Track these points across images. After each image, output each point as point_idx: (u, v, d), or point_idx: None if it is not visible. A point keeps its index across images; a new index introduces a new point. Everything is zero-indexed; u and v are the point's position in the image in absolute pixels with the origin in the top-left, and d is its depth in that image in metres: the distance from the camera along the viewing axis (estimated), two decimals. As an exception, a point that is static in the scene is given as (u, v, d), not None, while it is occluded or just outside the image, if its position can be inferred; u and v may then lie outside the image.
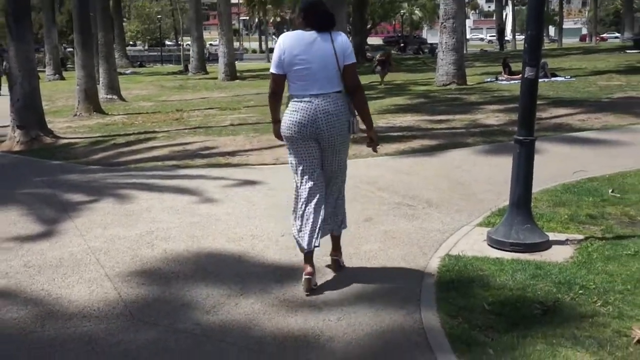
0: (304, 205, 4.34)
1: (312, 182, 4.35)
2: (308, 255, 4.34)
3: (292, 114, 4.27)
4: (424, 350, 3.48)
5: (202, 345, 3.63)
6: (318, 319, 3.90)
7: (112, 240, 5.58)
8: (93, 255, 5.20)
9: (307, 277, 4.29)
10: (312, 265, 4.34)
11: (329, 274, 4.61)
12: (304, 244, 4.31)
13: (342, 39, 4.28)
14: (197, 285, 4.49)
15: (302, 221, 4.35)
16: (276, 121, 4.48)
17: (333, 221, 4.56)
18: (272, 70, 4.31)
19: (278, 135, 4.50)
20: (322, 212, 4.35)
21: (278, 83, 4.35)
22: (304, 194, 4.35)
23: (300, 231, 4.35)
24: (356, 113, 4.40)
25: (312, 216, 4.31)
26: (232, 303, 4.18)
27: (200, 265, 4.91)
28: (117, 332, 3.82)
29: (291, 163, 4.47)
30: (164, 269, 4.85)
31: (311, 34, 4.25)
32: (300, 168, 4.38)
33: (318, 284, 4.39)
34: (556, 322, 3.70)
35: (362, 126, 4.48)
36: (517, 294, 4.10)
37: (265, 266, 4.86)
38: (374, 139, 4.54)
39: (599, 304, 3.91)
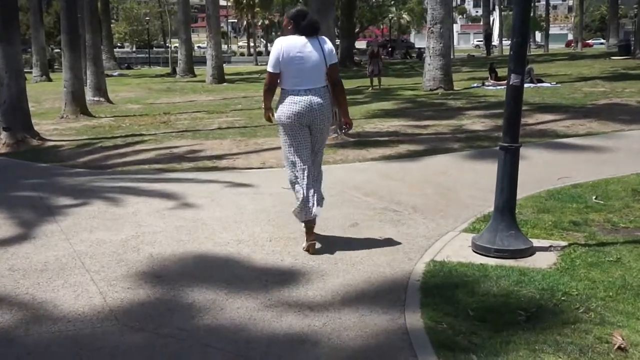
0: (304, 182, 5.16)
1: (308, 163, 5.20)
2: (310, 225, 5.16)
3: (291, 105, 5.09)
4: (408, 356, 3.50)
5: (188, 349, 3.64)
6: (303, 324, 3.92)
7: (97, 244, 5.57)
8: (78, 259, 5.19)
9: (312, 241, 5.15)
10: (313, 232, 5.18)
11: (314, 279, 4.63)
12: (308, 212, 5.13)
13: (328, 45, 5.21)
14: (183, 289, 4.50)
15: (303, 195, 5.13)
16: (268, 108, 5.43)
17: (318, 196, 5.28)
18: (270, 69, 5.15)
19: (269, 119, 5.49)
20: (316, 184, 5.26)
21: (273, 80, 5.20)
22: (301, 173, 5.18)
23: (305, 202, 5.13)
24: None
25: (311, 189, 5.17)
26: (217, 308, 4.19)
27: (186, 270, 4.92)
28: (102, 336, 3.82)
29: (287, 148, 5.24)
30: (149, 273, 4.85)
31: (302, 39, 5.11)
32: (297, 151, 5.19)
33: (303, 290, 4.41)
34: (539, 328, 3.74)
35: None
36: (501, 300, 4.14)
37: (252, 270, 4.87)
38: (349, 123, 5.48)
39: (581, 310, 3.95)
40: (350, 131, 5.47)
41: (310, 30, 5.12)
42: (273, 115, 5.36)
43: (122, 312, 4.16)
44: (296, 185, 5.23)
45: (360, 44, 59.90)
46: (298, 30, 5.13)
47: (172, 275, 4.81)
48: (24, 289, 4.56)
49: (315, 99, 5.10)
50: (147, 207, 6.78)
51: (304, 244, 5.22)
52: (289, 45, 5.10)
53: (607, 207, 6.22)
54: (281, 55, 5.07)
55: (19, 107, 11.63)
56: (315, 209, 5.16)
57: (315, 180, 5.27)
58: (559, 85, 18.86)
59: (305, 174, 5.17)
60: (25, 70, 12.93)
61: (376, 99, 17.62)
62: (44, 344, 3.73)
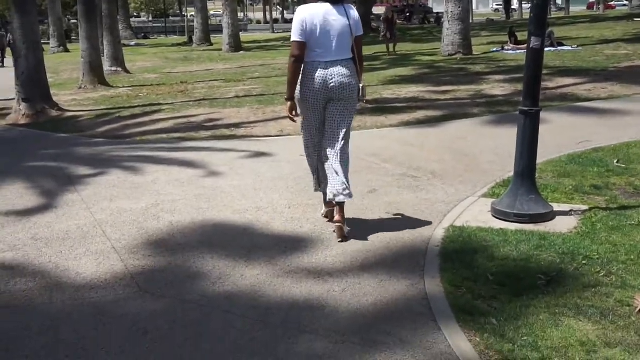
0: (325, 161, 4.79)
1: (325, 141, 4.81)
2: (339, 205, 4.73)
3: (313, 80, 4.66)
4: (428, 320, 3.51)
5: (208, 316, 3.68)
6: (323, 290, 3.93)
7: (118, 212, 5.61)
8: (100, 227, 5.24)
9: (338, 224, 4.71)
10: (342, 214, 4.73)
11: (333, 245, 4.64)
12: (333, 195, 4.70)
13: (355, 13, 4.77)
14: (203, 257, 4.53)
15: (326, 176, 4.79)
16: (290, 98, 4.78)
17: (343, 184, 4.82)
18: (295, 38, 4.66)
19: (292, 111, 4.82)
20: (341, 165, 4.77)
21: (300, 49, 4.67)
22: (322, 152, 4.84)
23: (329, 185, 4.74)
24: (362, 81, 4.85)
25: (334, 169, 4.73)
26: (237, 274, 4.21)
27: (205, 237, 4.95)
28: (124, 303, 3.87)
29: (305, 126, 4.92)
30: (169, 241, 4.89)
31: (327, 6, 4.68)
32: (314, 128, 4.85)
33: (322, 256, 4.42)
34: (559, 292, 3.72)
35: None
36: (520, 264, 4.13)
37: (271, 238, 4.89)
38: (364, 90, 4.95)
39: (602, 274, 3.93)
40: (368, 98, 5.08)
41: None
42: (296, 110, 4.84)
43: (143, 279, 4.20)
44: (320, 167, 4.94)
45: (378, 10, 59.23)
46: None
47: (192, 242, 4.84)
48: (47, 258, 4.62)
49: (337, 71, 4.67)
50: (166, 176, 6.81)
51: (323, 210, 5.14)
52: (313, 12, 4.66)
53: (628, 171, 6.15)
54: (304, 23, 4.63)
55: (37, 78, 11.67)
56: (339, 195, 4.70)
57: (340, 161, 4.78)
58: (580, 48, 18.58)
59: (327, 154, 4.80)
60: (42, 41, 12.96)
61: (394, 65, 17.47)
62: (67, 312, 3.79)
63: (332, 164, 4.76)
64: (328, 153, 4.80)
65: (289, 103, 4.80)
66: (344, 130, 4.81)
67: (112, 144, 8.90)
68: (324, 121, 4.83)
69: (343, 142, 4.80)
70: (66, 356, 3.28)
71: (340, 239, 4.68)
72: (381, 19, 23.11)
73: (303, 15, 4.66)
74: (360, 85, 4.78)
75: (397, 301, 3.77)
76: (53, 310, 3.81)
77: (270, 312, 3.68)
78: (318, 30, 4.63)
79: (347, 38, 4.70)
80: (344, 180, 4.72)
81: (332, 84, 4.67)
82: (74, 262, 4.52)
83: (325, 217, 5.12)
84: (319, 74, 4.66)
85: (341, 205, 4.73)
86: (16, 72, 11.59)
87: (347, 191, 4.70)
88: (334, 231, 4.76)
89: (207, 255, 4.57)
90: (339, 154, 4.76)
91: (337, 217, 4.73)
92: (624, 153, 6.81)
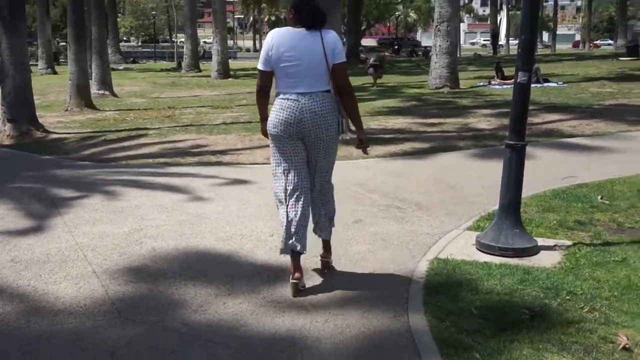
0: (291, 207, 4.26)
1: (297, 182, 4.28)
2: (295, 257, 4.26)
3: (278, 112, 4.20)
4: (411, 354, 3.48)
5: (189, 344, 3.62)
6: (305, 321, 3.89)
7: (100, 236, 5.55)
8: (81, 251, 5.17)
9: (294, 281, 4.23)
10: (299, 268, 4.28)
11: (317, 275, 4.60)
12: (291, 247, 4.24)
13: (332, 37, 4.19)
14: (185, 283, 4.48)
15: (288, 223, 4.25)
16: (264, 119, 4.40)
17: (322, 224, 4.52)
18: (259, 67, 4.28)
19: (265, 133, 4.43)
20: (309, 214, 4.35)
21: (265, 80, 4.31)
22: (290, 195, 4.27)
23: (288, 233, 4.25)
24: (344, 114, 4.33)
25: (298, 218, 4.25)
26: (219, 302, 4.16)
27: (188, 264, 4.90)
28: (103, 329, 3.80)
29: (274, 162, 4.39)
30: (152, 267, 4.83)
31: (300, 31, 4.19)
32: (286, 167, 4.31)
33: (306, 286, 4.37)
34: (543, 327, 3.71)
35: (353, 127, 4.45)
36: (504, 298, 4.11)
37: (254, 266, 4.85)
38: (364, 141, 4.45)
39: (586, 309, 3.92)
40: (349, 135, 4.41)
41: (311, 19, 4.16)
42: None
43: (124, 305, 4.14)
44: (280, 208, 4.35)
45: (366, 42, 59.79)
46: (300, 20, 4.20)
47: (174, 269, 4.79)
48: (25, 281, 4.54)
49: (308, 106, 4.13)
50: (150, 201, 6.76)
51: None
52: (281, 38, 4.19)
53: (612, 207, 6.18)
54: (271, 50, 4.19)
55: (24, 99, 11.61)
56: (302, 243, 4.25)
57: (310, 209, 4.39)
58: (565, 85, 18.79)
59: (295, 197, 4.27)
60: (30, 62, 12.93)
61: (381, 97, 17.58)
62: (46, 337, 3.72)
63: (314, 217, 4.46)
64: (312, 202, 4.42)
65: (262, 123, 4.46)
66: (326, 177, 4.47)
67: (97, 167, 8.84)
68: (300, 160, 4.32)
69: (327, 192, 4.51)
70: (42, 382, 3.21)
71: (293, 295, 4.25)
72: (370, 61, 23.06)
73: (270, 41, 4.22)
74: (340, 119, 4.25)
75: (380, 333, 3.73)
76: (31, 335, 3.74)
77: (253, 342, 3.63)
78: (286, 59, 4.15)
79: (320, 68, 4.14)
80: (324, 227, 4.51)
81: (304, 122, 4.17)
82: (53, 285, 4.45)
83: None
84: (290, 104, 4.17)
85: (297, 258, 4.29)
86: (2, 93, 11.54)
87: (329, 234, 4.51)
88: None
89: (190, 282, 4.51)
90: (322, 204, 4.48)
91: (297, 275, 4.27)
92: (608, 189, 6.85)
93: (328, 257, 4.67)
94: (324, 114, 4.17)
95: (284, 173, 4.32)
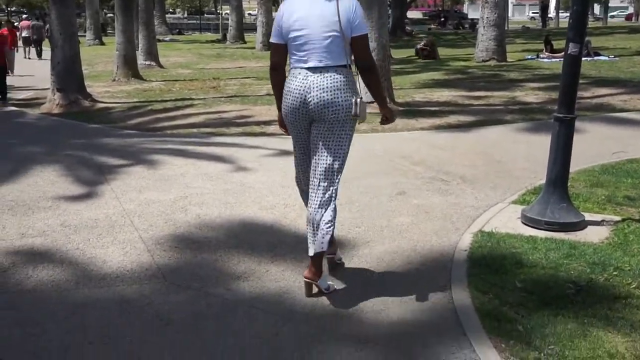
0: (310, 195, 3.78)
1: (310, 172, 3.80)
2: (314, 257, 3.77)
3: (285, 95, 3.73)
4: (454, 325, 3.46)
5: (232, 309, 3.67)
6: (347, 289, 3.90)
7: (146, 203, 5.64)
8: (128, 217, 5.26)
9: (306, 280, 3.79)
10: (317, 267, 3.77)
11: (360, 245, 4.61)
12: (313, 242, 3.76)
13: (349, 3, 3.59)
14: (229, 251, 4.53)
15: (307, 221, 3.81)
16: (280, 107, 3.86)
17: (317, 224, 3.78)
18: (271, 39, 3.79)
19: (282, 124, 3.99)
20: (320, 209, 3.76)
21: (277, 54, 3.76)
22: (306, 189, 3.88)
23: (310, 223, 3.78)
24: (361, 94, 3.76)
25: (315, 208, 3.75)
26: (262, 270, 4.20)
27: (232, 232, 4.95)
28: (149, 293, 3.87)
29: (293, 144, 3.96)
30: (196, 234, 4.89)
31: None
32: (300, 153, 3.90)
33: (348, 256, 4.38)
34: (588, 302, 3.65)
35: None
36: (549, 272, 4.06)
37: (297, 235, 4.87)
38: (389, 117, 3.89)
39: (634, 285, 3.84)
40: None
41: None
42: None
43: (169, 270, 4.21)
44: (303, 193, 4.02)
45: (412, 14, 58.98)
46: None
47: (218, 236, 4.85)
48: (74, 244, 4.65)
49: (317, 82, 3.58)
50: (195, 170, 6.84)
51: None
52: (293, 7, 3.66)
53: (664, 184, 6.02)
54: (281, 19, 3.69)
55: (72, 69, 11.81)
56: (315, 243, 3.72)
57: (321, 197, 3.72)
58: (617, 58, 18.31)
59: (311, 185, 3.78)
60: (79, 34, 13.10)
61: (427, 69, 17.36)
62: (93, 300, 3.80)
63: (310, 209, 3.77)
64: (310, 191, 3.80)
65: (279, 113, 3.93)
66: (327, 163, 3.69)
67: (143, 136, 8.96)
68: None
69: (325, 180, 3.71)
70: (90, 343, 3.30)
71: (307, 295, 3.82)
72: (419, 47, 22.37)
73: (281, 11, 3.71)
74: (354, 99, 3.61)
75: (422, 305, 3.72)
76: (79, 297, 3.84)
77: (295, 309, 3.66)
78: (297, 29, 3.62)
79: (334, 40, 3.56)
80: (323, 234, 3.70)
81: (309, 100, 3.62)
82: (101, 250, 4.55)
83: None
84: (297, 84, 3.64)
85: (314, 258, 3.77)
86: (52, 62, 11.75)
87: (322, 244, 3.70)
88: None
89: (233, 249, 4.56)
90: (319, 196, 3.72)
91: (306, 273, 3.81)
92: (659, 165, 6.68)
93: (332, 251, 4.11)
94: (333, 90, 3.58)
95: (299, 158, 3.93)
